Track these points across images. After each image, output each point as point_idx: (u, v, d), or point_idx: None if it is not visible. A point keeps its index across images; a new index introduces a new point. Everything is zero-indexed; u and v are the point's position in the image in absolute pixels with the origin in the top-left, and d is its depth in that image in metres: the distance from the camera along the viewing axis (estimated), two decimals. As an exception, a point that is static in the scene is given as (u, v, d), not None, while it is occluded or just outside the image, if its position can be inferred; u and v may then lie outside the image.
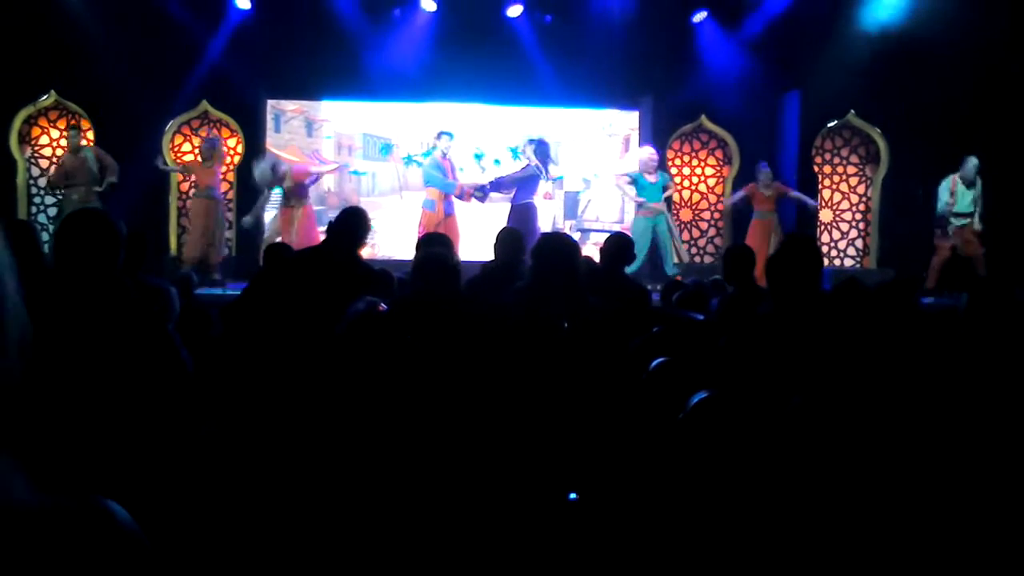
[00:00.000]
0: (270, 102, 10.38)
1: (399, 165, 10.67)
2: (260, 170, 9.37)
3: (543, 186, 9.26)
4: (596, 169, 10.91)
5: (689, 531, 2.03)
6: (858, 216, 11.25)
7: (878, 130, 10.83)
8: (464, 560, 2.05)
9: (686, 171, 11.30)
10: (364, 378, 2.32)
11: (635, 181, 9.55)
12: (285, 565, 1.91)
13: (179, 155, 10.51)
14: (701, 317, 4.17)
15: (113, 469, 2.00)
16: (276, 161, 9.50)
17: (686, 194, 11.28)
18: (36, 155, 10.41)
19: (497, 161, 10.66)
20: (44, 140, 10.39)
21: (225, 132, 10.62)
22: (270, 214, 9.76)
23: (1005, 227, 9.43)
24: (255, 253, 9.11)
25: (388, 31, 10.10)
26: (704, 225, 11.35)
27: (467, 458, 2.25)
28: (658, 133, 10.70)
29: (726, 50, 10.34)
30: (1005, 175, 9.57)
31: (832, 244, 11.22)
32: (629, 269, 5.35)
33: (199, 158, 9.50)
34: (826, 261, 10.70)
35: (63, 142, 9.96)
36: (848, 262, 11.21)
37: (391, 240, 10.38)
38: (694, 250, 11.25)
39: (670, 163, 11.00)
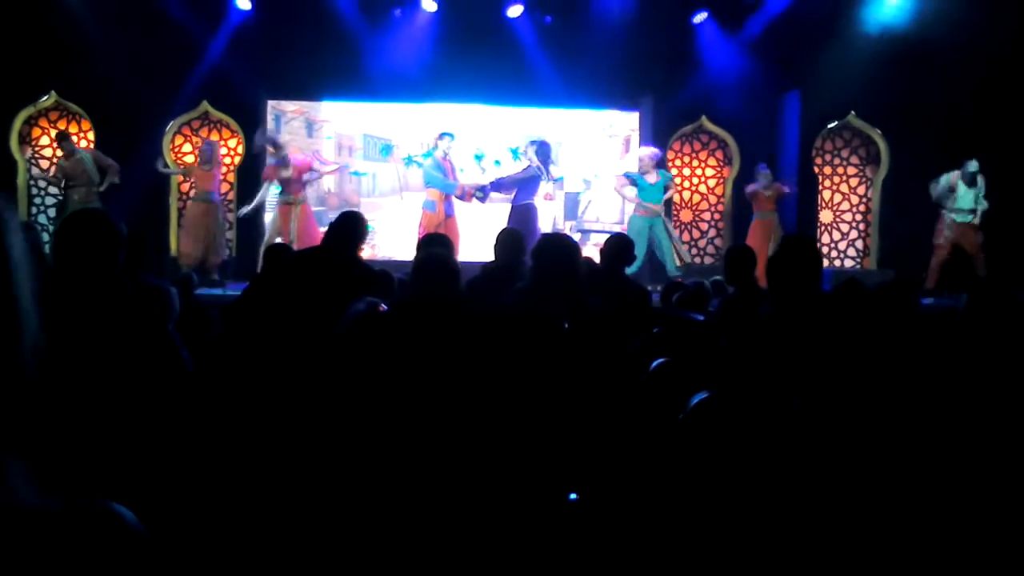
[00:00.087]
0: (270, 103, 10.38)
1: (399, 166, 10.67)
2: (262, 132, 9.42)
3: (543, 187, 9.26)
4: (596, 170, 10.91)
5: (689, 532, 2.03)
6: (858, 217, 11.25)
7: (878, 131, 10.83)
8: (464, 561, 2.05)
9: (686, 172, 11.30)
10: (364, 379, 2.32)
11: (635, 182, 9.53)
12: (286, 565, 1.91)
13: (180, 156, 10.51)
14: (701, 318, 4.17)
15: (113, 470, 2.00)
16: (279, 140, 9.51)
17: (686, 195, 11.28)
18: (36, 156, 10.41)
19: (497, 162, 10.66)
20: (44, 141, 10.39)
21: (226, 133, 10.62)
22: (268, 216, 9.76)
23: (1006, 228, 9.43)
24: (255, 254, 9.10)
25: (388, 32, 10.10)
26: (704, 226, 11.35)
27: (467, 459, 2.25)
28: (658, 134, 10.70)
29: (726, 51, 10.35)
30: (1006, 176, 9.57)
31: (832, 245, 11.22)
32: (629, 270, 5.35)
33: (198, 161, 9.51)
34: (826, 262, 10.70)
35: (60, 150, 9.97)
36: (848, 263, 11.21)
37: (391, 241, 10.39)
38: (694, 251, 11.25)
39: (670, 164, 11.00)
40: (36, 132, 10.40)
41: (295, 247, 8.21)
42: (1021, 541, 1.81)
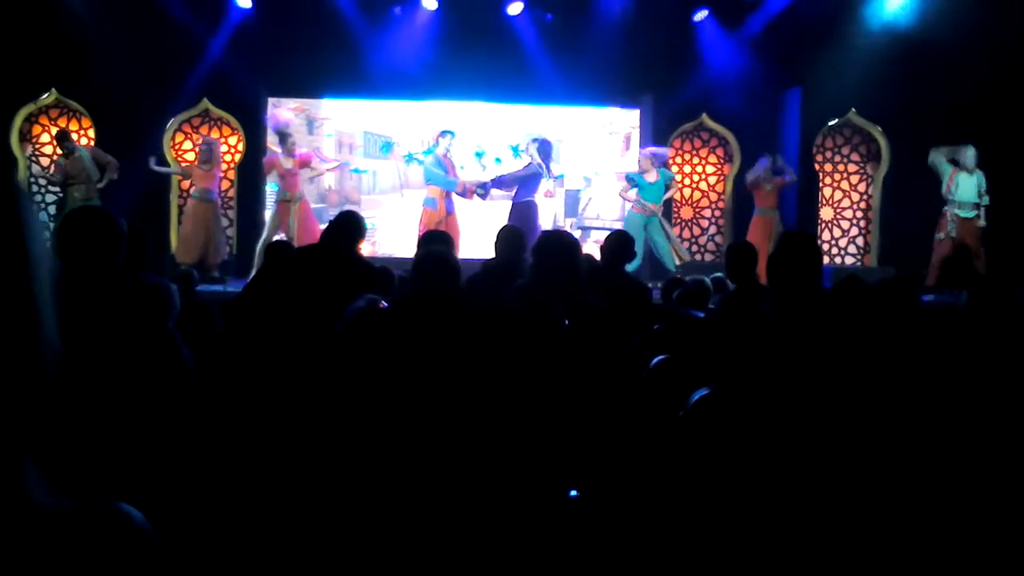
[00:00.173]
0: (271, 100, 10.38)
1: (400, 163, 10.67)
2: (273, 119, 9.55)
3: (544, 184, 9.26)
4: (597, 167, 10.91)
5: (689, 528, 2.03)
6: (859, 214, 11.25)
7: (879, 128, 10.82)
8: (465, 558, 2.06)
9: (687, 169, 11.30)
10: (364, 376, 2.32)
11: (635, 182, 9.52)
12: (287, 564, 1.92)
13: (180, 154, 10.51)
14: (702, 315, 4.17)
15: (114, 469, 2.00)
16: (288, 130, 9.51)
17: (687, 192, 11.28)
18: (37, 153, 10.41)
19: (498, 159, 10.66)
20: (45, 138, 10.39)
21: (226, 130, 10.62)
22: (267, 213, 9.76)
23: (1006, 226, 9.42)
24: (255, 251, 9.10)
25: (389, 29, 10.10)
26: (705, 223, 11.35)
27: (468, 455, 2.25)
28: (659, 131, 10.70)
29: (727, 48, 10.34)
30: (1006, 174, 9.57)
31: (833, 242, 11.22)
32: (630, 267, 5.35)
33: (197, 160, 9.50)
34: (827, 259, 10.70)
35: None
36: (849, 260, 11.21)
37: (392, 238, 10.39)
38: (695, 248, 11.25)
39: (671, 161, 10.99)
40: (36, 130, 10.40)
41: (295, 244, 8.21)
42: (1021, 540, 1.81)
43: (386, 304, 2.57)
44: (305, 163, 9.35)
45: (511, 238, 4.78)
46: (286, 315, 2.70)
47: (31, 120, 10.34)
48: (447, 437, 2.23)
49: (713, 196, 11.34)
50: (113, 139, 9.61)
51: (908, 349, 2.56)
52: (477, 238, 8.92)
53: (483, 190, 9.25)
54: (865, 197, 11.21)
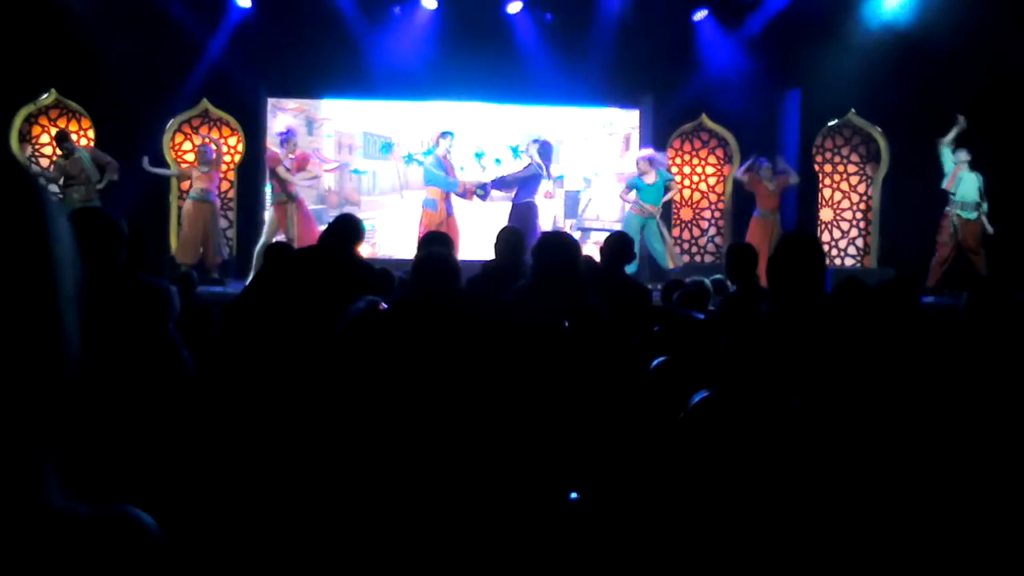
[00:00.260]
0: (271, 100, 10.38)
1: (400, 164, 10.67)
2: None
3: (544, 185, 9.26)
4: (597, 168, 10.91)
5: (690, 530, 2.03)
6: (858, 215, 11.25)
7: (879, 129, 10.82)
8: (465, 560, 2.05)
9: (687, 170, 11.29)
10: (364, 377, 2.32)
11: (634, 185, 9.53)
12: (287, 565, 1.91)
13: (180, 154, 10.51)
14: (702, 316, 4.17)
15: (114, 471, 2.00)
16: (293, 135, 9.53)
17: (687, 193, 11.27)
18: (36, 154, 10.41)
19: (498, 160, 10.66)
20: (44, 139, 10.39)
21: (226, 131, 10.61)
22: (266, 215, 9.77)
23: (1007, 227, 9.43)
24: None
25: (388, 29, 10.10)
26: (705, 224, 11.34)
27: (468, 457, 2.25)
28: (659, 132, 10.70)
29: (727, 49, 10.34)
30: (1006, 174, 9.57)
31: (833, 243, 11.22)
32: (629, 268, 5.35)
33: (196, 161, 9.50)
34: (827, 260, 10.68)
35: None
36: (849, 261, 11.21)
37: (391, 239, 10.39)
38: (694, 249, 11.25)
39: (671, 162, 10.99)
40: (36, 130, 10.40)
41: (296, 246, 8.21)
42: (1021, 540, 1.81)
43: (386, 306, 2.57)
44: (303, 164, 9.35)
45: (511, 239, 4.78)
46: (286, 316, 2.70)
47: (31, 121, 10.34)
48: (447, 439, 2.23)
49: (713, 197, 11.33)
50: (113, 140, 9.60)
51: (908, 351, 2.56)
52: (477, 239, 8.92)
53: (483, 191, 9.26)
54: (865, 198, 11.21)
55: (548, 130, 10.34)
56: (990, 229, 9.25)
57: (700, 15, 10.29)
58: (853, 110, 10.75)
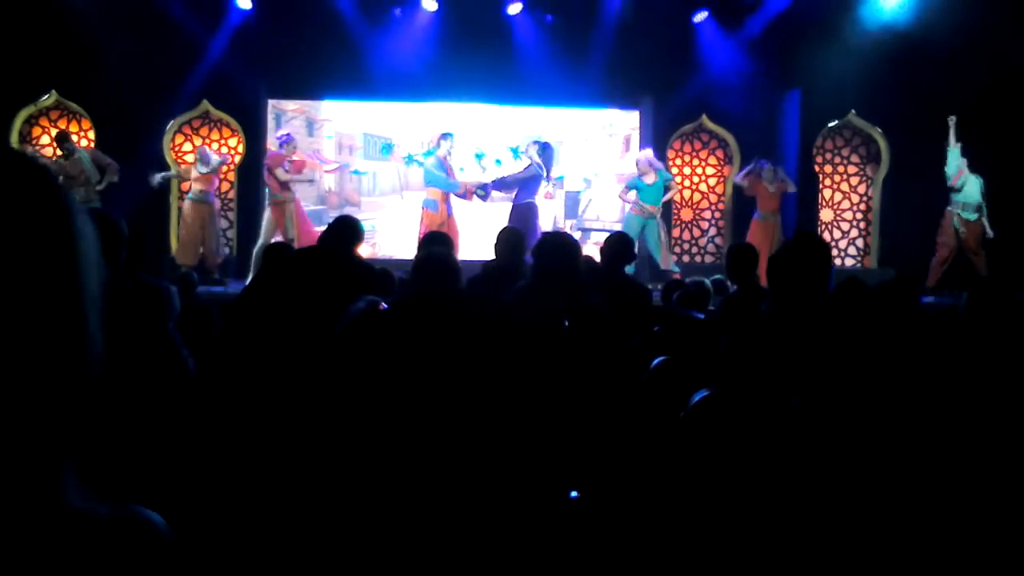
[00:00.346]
0: (271, 102, 10.38)
1: (400, 165, 10.67)
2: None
3: (544, 186, 9.26)
4: (597, 169, 10.91)
5: (690, 529, 2.03)
6: (859, 216, 11.25)
7: (879, 129, 10.83)
8: (465, 559, 2.06)
9: (687, 171, 11.30)
10: (364, 378, 2.32)
11: (634, 186, 9.54)
12: (286, 565, 1.92)
13: (180, 155, 10.51)
14: (702, 316, 4.17)
15: (114, 471, 2.00)
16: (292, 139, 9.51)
17: (687, 193, 11.28)
18: (37, 155, 10.41)
19: (498, 161, 10.66)
20: (45, 140, 10.39)
21: (226, 132, 10.62)
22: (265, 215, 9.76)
23: (1007, 227, 9.43)
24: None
25: (389, 31, 10.10)
26: (705, 224, 11.35)
27: (468, 457, 2.25)
28: (659, 133, 10.70)
29: (727, 50, 10.35)
30: (1006, 175, 9.57)
31: (833, 244, 11.21)
32: (629, 269, 5.35)
33: (196, 163, 9.51)
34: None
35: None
36: (849, 262, 11.21)
37: (392, 240, 10.39)
38: (695, 249, 11.26)
39: (671, 163, 10.99)
40: (36, 131, 10.40)
41: (295, 246, 8.21)
42: (1021, 540, 1.81)
43: (386, 306, 2.57)
44: (300, 169, 9.36)
45: (511, 240, 4.79)
46: (286, 317, 2.70)
47: (31, 122, 10.34)
48: (447, 439, 2.23)
49: (713, 198, 11.34)
50: (113, 141, 9.61)
51: (908, 351, 2.56)
52: (477, 240, 8.92)
53: (483, 192, 9.26)
54: (865, 199, 11.21)
55: (548, 131, 10.34)
56: (990, 233, 9.25)
57: (700, 17, 10.30)
58: (853, 111, 10.75)
